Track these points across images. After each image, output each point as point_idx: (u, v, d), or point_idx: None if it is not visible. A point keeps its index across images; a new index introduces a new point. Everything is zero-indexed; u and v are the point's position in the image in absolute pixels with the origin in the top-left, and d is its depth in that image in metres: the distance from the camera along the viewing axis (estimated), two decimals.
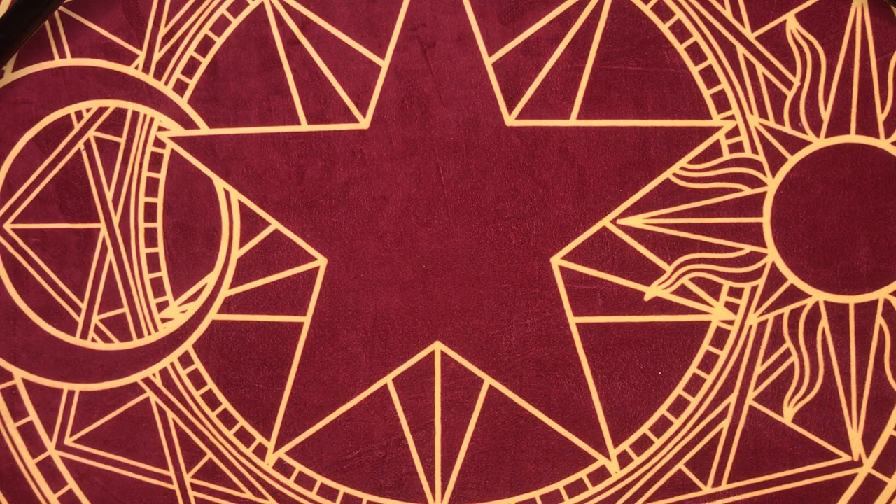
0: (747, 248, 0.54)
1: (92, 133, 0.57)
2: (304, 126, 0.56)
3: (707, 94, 0.54)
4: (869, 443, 0.53)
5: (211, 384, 0.57)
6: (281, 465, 0.57)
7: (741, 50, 0.53)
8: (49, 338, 0.58)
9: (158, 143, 0.57)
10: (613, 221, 0.54)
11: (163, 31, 0.57)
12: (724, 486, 0.54)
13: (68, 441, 0.58)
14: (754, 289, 0.54)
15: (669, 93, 0.54)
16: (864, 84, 0.53)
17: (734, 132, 0.54)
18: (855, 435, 0.54)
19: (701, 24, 0.54)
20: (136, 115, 0.57)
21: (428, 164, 0.56)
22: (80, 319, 0.58)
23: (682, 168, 0.54)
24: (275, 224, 0.56)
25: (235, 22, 0.56)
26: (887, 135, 0.53)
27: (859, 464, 0.54)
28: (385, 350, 0.56)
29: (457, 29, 0.55)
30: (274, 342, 0.57)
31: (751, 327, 0.54)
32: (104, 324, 0.58)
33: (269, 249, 0.56)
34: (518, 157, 0.55)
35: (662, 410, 0.55)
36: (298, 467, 0.57)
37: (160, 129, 0.57)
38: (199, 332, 0.57)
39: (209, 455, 0.57)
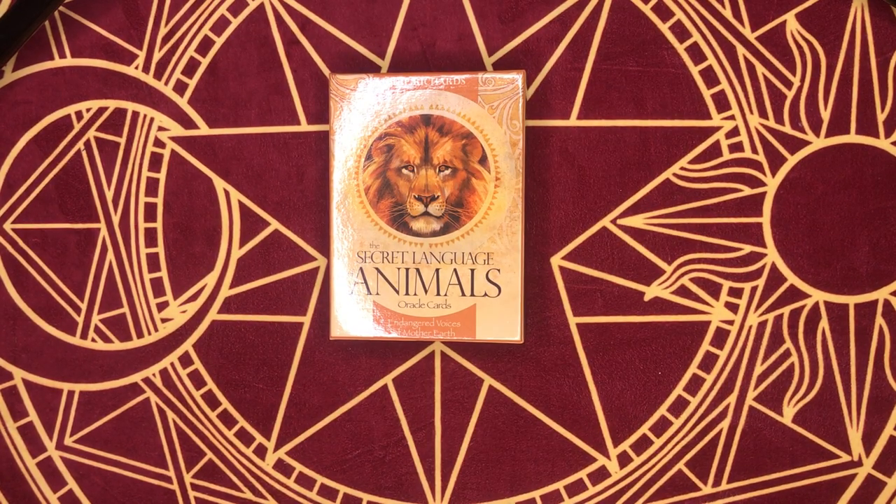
0: (747, 248, 0.54)
1: (92, 133, 0.57)
2: (304, 126, 0.56)
3: (707, 94, 0.54)
4: (869, 443, 0.53)
5: (211, 384, 0.57)
6: (281, 465, 0.57)
7: (741, 50, 0.53)
8: (49, 338, 0.58)
9: (158, 143, 0.57)
10: (613, 221, 0.54)
11: (163, 31, 0.57)
12: (724, 486, 0.54)
13: (68, 441, 0.58)
14: (754, 289, 0.54)
15: (669, 93, 0.54)
16: (864, 84, 0.53)
17: (734, 132, 0.54)
18: (855, 435, 0.54)
19: (701, 24, 0.54)
20: (135, 115, 0.57)
21: None
22: (80, 319, 0.58)
23: (682, 168, 0.54)
24: (275, 224, 0.56)
25: (235, 22, 0.56)
26: (887, 135, 0.53)
27: (859, 464, 0.54)
28: (385, 350, 0.56)
29: (457, 29, 0.55)
30: (274, 342, 0.56)
31: (751, 327, 0.54)
32: (104, 324, 0.58)
33: (268, 249, 0.56)
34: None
35: (662, 410, 0.55)
36: (298, 467, 0.57)
37: (160, 129, 0.57)
38: (199, 332, 0.57)
39: (209, 455, 0.57)
